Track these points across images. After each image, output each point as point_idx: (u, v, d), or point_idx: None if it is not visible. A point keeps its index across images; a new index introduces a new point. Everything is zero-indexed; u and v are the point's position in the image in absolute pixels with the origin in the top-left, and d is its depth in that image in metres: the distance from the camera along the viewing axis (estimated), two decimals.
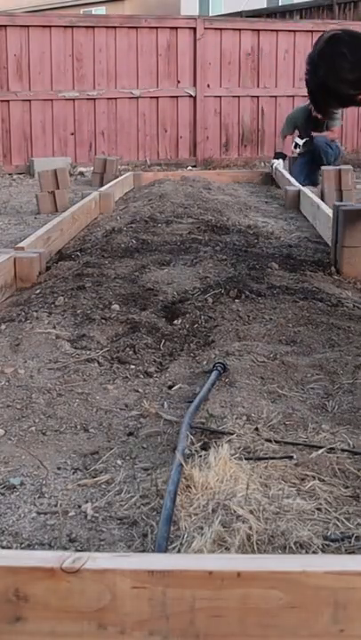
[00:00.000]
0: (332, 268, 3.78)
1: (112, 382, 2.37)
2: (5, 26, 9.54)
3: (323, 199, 6.04)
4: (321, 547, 1.44)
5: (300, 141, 7.35)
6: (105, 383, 2.36)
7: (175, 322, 2.90)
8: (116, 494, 1.70)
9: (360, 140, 11.51)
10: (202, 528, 1.46)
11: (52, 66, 9.78)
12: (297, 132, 7.57)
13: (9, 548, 1.51)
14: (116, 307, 3.02)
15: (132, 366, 2.50)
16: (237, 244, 4.35)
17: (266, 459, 1.79)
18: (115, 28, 10.03)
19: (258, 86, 10.77)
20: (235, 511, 1.50)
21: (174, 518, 1.50)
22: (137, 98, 10.23)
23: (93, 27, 9.93)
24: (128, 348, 2.60)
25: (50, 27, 9.75)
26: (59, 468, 1.85)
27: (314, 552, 1.41)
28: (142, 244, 4.31)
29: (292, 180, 6.52)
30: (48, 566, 1.01)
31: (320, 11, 13.85)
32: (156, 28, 10.21)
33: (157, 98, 10.32)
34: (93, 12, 23.53)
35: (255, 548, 1.40)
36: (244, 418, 2.03)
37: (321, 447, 1.85)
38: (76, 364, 2.50)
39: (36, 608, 1.04)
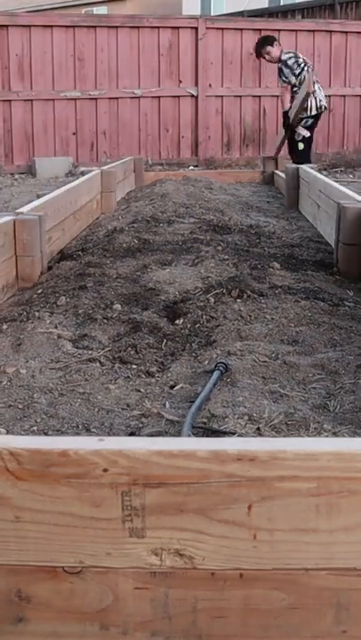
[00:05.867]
0: (335, 268, 3.78)
1: (114, 382, 2.37)
2: (7, 26, 9.55)
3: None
4: None
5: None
6: (107, 383, 2.36)
7: (177, 322, 2.90)
8: None
9: None
10: None
11: (53, 66, 9.78)
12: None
13: None
14: (117, 306, 3.02)
15: (134, 366, 2.49)
16: (239, 244, 4.35)
17: None
18: (116, 27, 10.03)
19: (259, 86, 10.77)
20: None
21: None
22: (139, 97, 10.23)
23: (95, 26, 9.94)
24: (130, 348, 2.60)
25: (51, 26, 9.75)
26: None
27: None
28: (144, 244, 4.31)
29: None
30: (50, 567, 1.01)
31: (322, 10, 13.86)
32: (158, 27, 10.21)
33: (159, 97, 10.32)
34: (95, 12, 23.54)
35: None
36: (246, 418, 2.03)
37: None
38: (77, 363, 2.49)
39: (39, 609, 1.04)
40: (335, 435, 1.95)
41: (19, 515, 0.99)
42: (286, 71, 7.80)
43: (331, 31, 10.96)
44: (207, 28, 10.39)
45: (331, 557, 1.00)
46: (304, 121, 7.94)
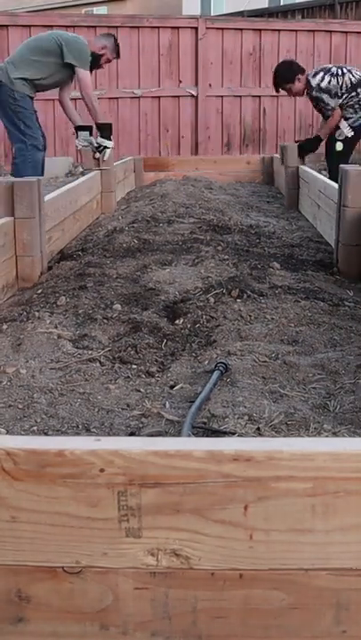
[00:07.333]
0: (335, 268, 3.79)
1: (114, 382, 2.37)
2: (7, 26, 9.55)
3: None
4: None
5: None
6: (107, 383, 2.36)
7: (177, 321, 2.90)
8: None
9: None
10: None
11: None
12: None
13: None
14: (117, 306, 3.02)
15: (134, 366, 2.50)
16: (239, 244, 4.35)
17: None
18: (116, 27, 10.02)
19: (260, 86, 10.76)
20: None
21: None
22: (138, 98, 10.23)
23: (95, 26, 9.93)
24: (130, 348, 2.60)
25: (52, 26, 9.74)
26: None
27: None
28: (144, 244, 4.31)
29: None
30: (50, 567, 1.01)
31: (322, 10, 13.84)
32: (158, 27, 10.20)
33: (159, 97, 10.32)
34: (95, 12, 23.54)
35: None
36: (246, 418, 2.03)
37: None
38: (77, 363, 2.50)
39: (39, 609, 1.04)
40: (335, 435, 1.95)
41: (15, 515, 0.99)
42: (324, 97, 6.31)
43: (331, 31, 10.95)
44: (207, 28, 10.38)
45: (327, 558, 1.00)
46: (352, 120, 6.34)
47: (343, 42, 11.03)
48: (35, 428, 2.06)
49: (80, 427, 2.08)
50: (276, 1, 22.25)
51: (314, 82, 6.26)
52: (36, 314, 2.95)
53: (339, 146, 6.36)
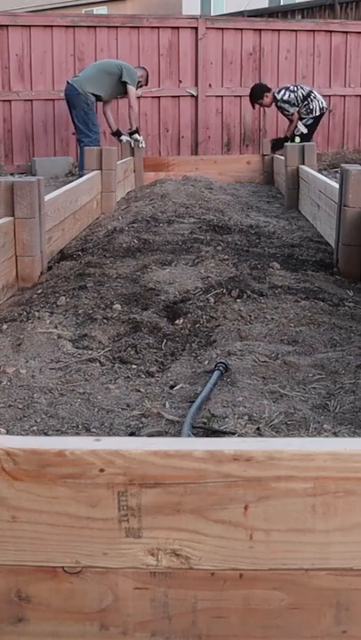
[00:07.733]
0: (335, 268, 3.79)
1: (114, 382, 2.37)
2: (7, 25, 9.55)
3: None
4: None
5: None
6: (107, 383, 2.36)
7: (177, 321, 2.90)
8: None
9: None
10: None
11: (53, 65, 9.77)
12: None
13: None
14: (117, 306, 3.02)
15: (134, 366, 2.50)
16: (239, 244, 4.35)
17: None
18: (116, 27, 10.02)
19: None
20: None
21: None
22: (139, 98, 10.22)
23: (95, 26, 9.93)
24: (130, 348, 2.60)
25: (52, 26, 9.75)
26: None
27: None
28: (144, 244, 4.31)
29: None
30: (50, 567, 1.01)
31: (322, 10, 13.84)
32: (158, 27, 10.20)
33: (159, 97, 10.31)
34: (95, 12, 23.54)
35: None
36: (246, 418, 2.03)
37: None
38: (77, 363, 2.50)
39: (38, 609, 1.04)
40: (335, 435, 1.95)
41: (15, 515, 0.99)
42: (286, 106, 8.63)
43: (331, 31, 10.94)
44: (207, 28, 10.37)
45: (327, 558, 0.99)
46: (305, 120, 8.56)
47: (343, 42, 11.03)
48: (35, 428, 2.06)
49: (80, 427, 2.08)
50: (276, 1, 22.26)
51: (278, 96, 8.53)
52: (36, 314, 2.95)
53: (297, 139, 8.38)
